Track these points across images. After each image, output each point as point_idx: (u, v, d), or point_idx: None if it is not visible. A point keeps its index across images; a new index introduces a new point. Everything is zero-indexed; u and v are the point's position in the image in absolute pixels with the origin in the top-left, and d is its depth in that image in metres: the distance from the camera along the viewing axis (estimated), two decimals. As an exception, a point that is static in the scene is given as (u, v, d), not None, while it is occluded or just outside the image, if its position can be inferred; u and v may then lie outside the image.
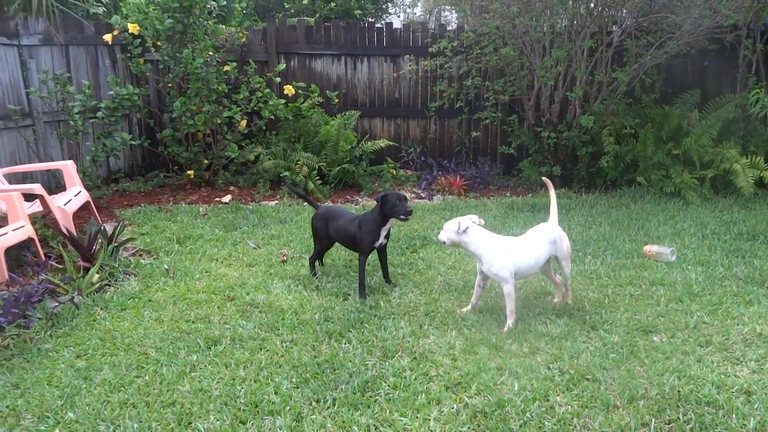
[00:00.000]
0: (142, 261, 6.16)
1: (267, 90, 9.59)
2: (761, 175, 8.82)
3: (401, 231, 7.32)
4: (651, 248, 6.45)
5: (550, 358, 4.20)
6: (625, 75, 9.02)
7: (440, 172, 10.21)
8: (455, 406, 3.61)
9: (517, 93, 9.94)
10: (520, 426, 3.37)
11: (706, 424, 3.35)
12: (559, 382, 3.88)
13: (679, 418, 3.42)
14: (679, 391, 3.70)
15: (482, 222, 4.82)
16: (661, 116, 9.54)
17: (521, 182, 10.24)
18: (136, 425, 3.40)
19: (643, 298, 5.28)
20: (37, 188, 6.16)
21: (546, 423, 3.40)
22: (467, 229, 4.68)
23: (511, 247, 4.77)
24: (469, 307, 5.02)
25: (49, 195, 6.51)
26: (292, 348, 4.35)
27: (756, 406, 3.52)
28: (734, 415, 3.43)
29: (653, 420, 3.41)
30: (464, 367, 4.07)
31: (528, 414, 3.49)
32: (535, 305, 5.11)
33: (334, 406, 3.63)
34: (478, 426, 3.41)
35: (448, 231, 4.74)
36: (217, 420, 3.46)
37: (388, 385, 3.84)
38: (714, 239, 6.95)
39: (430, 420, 3.48)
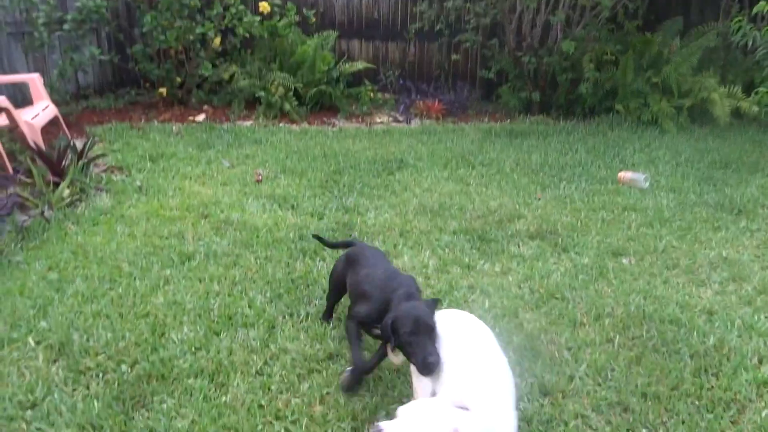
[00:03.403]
0: (114, 178, 6.06)
1: (241, 6, 9.25)
2: (738, 105, 8.84)
3: (377, 153, 7.28)
4: (625, 174, 6.50)
5: (521, 278, 4.27)
6: (609, 0, 8.85)
7: (419, 96, 10.07)
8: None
9: (498, 16, 9.72)
10: (489, 340, 3.45)
11: (668, 340, 3.46)
12: (528, 300, 3.96)
13: (642, 335, 3.53)
14: (644, 311, 3.80)
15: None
16: (642, 43, 9.44)
17: (500, 108, 10.15)
18: (109, 335, 3.42)
19: (614, 222, 5.35)
20: (2, 100, 5.96)
21: (514, 338, 3.48)
22: None
23: None
24: None
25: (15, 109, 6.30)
26: (266, 264, 4.36)
27: (716, 325, 3.64)
28: (695, 333, 3.54)
29: (617, 336, 3.51)
30: (437, 285, 4.13)
31: (497, 329, 3.56)
32: (508, 227, 5.15)
33: (308, 319, 3.67)
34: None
35: None
36: (191, 331, 3.49)
37: (361, 301, 3.88)
38: (687, 167, 7.02)
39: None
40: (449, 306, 3.79)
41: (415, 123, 9.30)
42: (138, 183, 5.87)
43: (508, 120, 9.50)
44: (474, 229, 5.07)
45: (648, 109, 8.97)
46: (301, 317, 3.69)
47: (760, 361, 3.29)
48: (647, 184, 6.36)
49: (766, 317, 3.75)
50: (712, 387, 3.04)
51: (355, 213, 5.40)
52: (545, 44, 9.53)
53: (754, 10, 7.35)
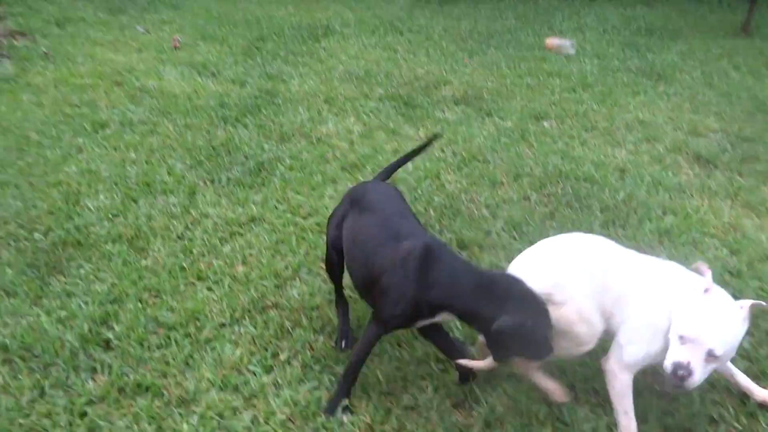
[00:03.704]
0: (16, 43, 5.64)
1: None
2: (666, -29, 8.80)
3: (303, 20, 6.99)
4: (553, 41, 6.49)
5: (445, 141, 4.29)
6: None
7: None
8: (349, 184, 3.68)
9: None
10: (412, 201, 3.50)
11: (581, 196, 3.59)
12: (451, 162, 4.00)
13: (557, 192, 3.64)
14: (561, 170, 3.91)
15: None
16: None
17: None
18: (19, 204, 3.30)
19: (539, 87, 5.38)
20: None
21: (435, 198, 3.54)
22: None
23: None
24: None
25: None
26: (185, 132, 4.22)
27: (627, 182, 3.79)
28: (607, 189, 3.68)
29: (534, 194, 3.62)
30: (361, 150, 4.11)
31: (419, 190, 3.62)
32: (434, 94, 5.12)
33: (229, 185, 3.63)
34: (371, 202, 3.51)
35: None
36: (107, 199, 3.40)
37: (285, 167, 3.85)
38: (614, 33, 7.06)
39: (325, 197, 3.55)
40: (372, 170, 3.80)
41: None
42: (44, 49, 5.49)
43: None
44: (400, 96, 5.01)
45: (578, -26, 8.83)
46: (222, 183, 3.63)
47: (664, 213, 3.47)
48: (573, 50, 6.37)
49: (673, 173, 3.92)
50: (619, 236, 3.20)
51: (279, 80, 5.25)
52: None
53: None
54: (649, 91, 5.36)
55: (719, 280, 2.83)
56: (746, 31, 7.30)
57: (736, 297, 1.95)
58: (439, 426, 2.17)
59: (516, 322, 1.91)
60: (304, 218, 3.35)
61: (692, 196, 3.68)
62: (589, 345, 2.09)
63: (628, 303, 2.04)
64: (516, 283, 2.03)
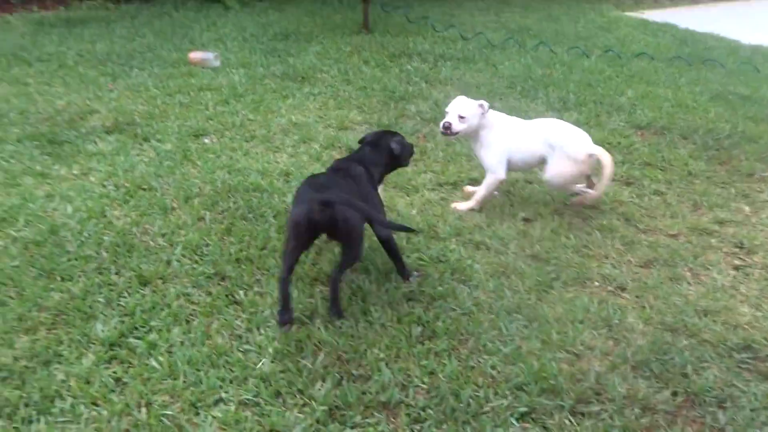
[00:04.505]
0: None
1: None
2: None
3: None
4: (195, 55, 6.51)
5: (103, 175, 4.05)
6: None
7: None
8: (2, 243, 3.28)
9: None
10: (78, 246, 3.25)
11: (253, 207, 3.71)
12: (115, 197, 3.80)
13: (230, 207, 3.71)
14: (229, 184, 3.98)
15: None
16: None
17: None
18: None
19: (192, 104, 5.38)
20: None
21: (105, 238, 3.34)
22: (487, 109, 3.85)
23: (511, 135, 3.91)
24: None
25: None
26: None
27: (292, 184, 4.02)
28: (276, 195, 3.86)
29: (208, 213, 3.63)
30: (7, 202, 3.67)
31: (85, 234, 3.37)
32: (81, 126, 4.79)
33: None
34: (32, 256, 3.17)
35: (466, 111, 3.78)
36: None
37: None
38: (254, 41, 7.34)
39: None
40: (26, 221, 3.43)
41: (-56, 18, 7.76)
42: None
43: (62, 7, 8.57)
44: (42, 134, 4.59)
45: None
46: None
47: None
48: (218, 62, 6.48)
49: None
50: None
51: None
52: None
53: None
54: (297, 94, 5.72)
55: (385, 257, 3.19)
56: (367, 27, 8.19)
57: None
58: None
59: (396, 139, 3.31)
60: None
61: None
62: None
63: None
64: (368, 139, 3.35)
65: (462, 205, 3.90)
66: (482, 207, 3.87)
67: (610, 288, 3.20)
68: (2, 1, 8.53)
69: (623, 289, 3.19)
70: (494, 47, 7.68)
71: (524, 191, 4.14)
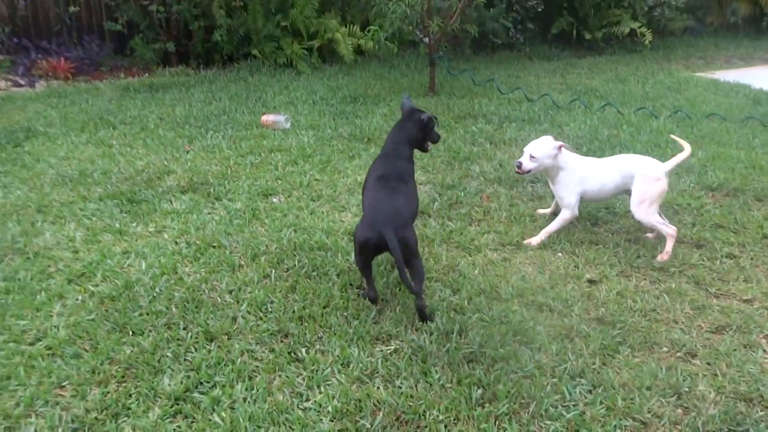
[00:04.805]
0: None
1: None
2: (359, 42, 9.76)
3: (-2, 124, 6.43)
4: (268, 118, 6.78)
5: (176, 233, 4.24)
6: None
7: (40, 55, 9.04)
8: (80, 297, 3.46)
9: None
10: (150, 301, 3.39)
11: (317, 265, 3.79)
12: (186, 254, 3.96)
13: (295, 265, 3.81)
14: (295, 242, 4.09)
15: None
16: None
17: (136, 61, 9.66)
18: None
19: (262, 165, 5.58)
20: None
21: (175, 294, 3.47)
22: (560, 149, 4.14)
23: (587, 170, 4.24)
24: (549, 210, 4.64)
25: None
26: None
27: (357, 243, 4.09)
28: (340, 254, 3.94)
29: (273, 271, 3.73)
30: (87, 257, 3.88)
31: (157, 289, 3.52)
32: (158, 185, 5.04)
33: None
34: (107, 311, 3.33)
35: (537, 152, 4.08)
36: None
37: (-1, 292, 3.49)
38: (323, 104, 7.59)
39: (52, 315, 3.28)
40: (103, 277, 3.61)
41: (41, 86, 8.39)
42: None
43: (147, 74, 9.13)
44: (122, 193, 4.85)
45: (282, 52, 9.41)
46: None
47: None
48: (289, 124, 6.73)
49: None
50: (357, 297, 3.44)
51: (-22, 195, 4.75)
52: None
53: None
54: (363, 154, 5.86)
55: (446, 317, 3.20)
56: (433, 89, 8.36)
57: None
58: None
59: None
60: (32, 344, 3.07)
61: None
62: None
63: None
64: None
65: (534, 240, 4.18)
66: (546, 269, 3.84)
67: (679, 354, 3.08)
68: (94, 69, 9.15)
69: (693, 356, 3.07)
70: (560, 108, 7.69)
71: (589, 252, 4.07)
